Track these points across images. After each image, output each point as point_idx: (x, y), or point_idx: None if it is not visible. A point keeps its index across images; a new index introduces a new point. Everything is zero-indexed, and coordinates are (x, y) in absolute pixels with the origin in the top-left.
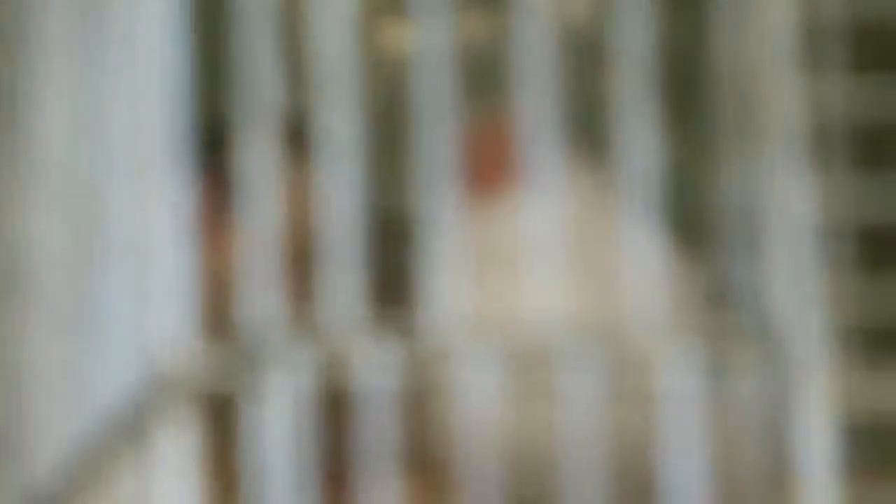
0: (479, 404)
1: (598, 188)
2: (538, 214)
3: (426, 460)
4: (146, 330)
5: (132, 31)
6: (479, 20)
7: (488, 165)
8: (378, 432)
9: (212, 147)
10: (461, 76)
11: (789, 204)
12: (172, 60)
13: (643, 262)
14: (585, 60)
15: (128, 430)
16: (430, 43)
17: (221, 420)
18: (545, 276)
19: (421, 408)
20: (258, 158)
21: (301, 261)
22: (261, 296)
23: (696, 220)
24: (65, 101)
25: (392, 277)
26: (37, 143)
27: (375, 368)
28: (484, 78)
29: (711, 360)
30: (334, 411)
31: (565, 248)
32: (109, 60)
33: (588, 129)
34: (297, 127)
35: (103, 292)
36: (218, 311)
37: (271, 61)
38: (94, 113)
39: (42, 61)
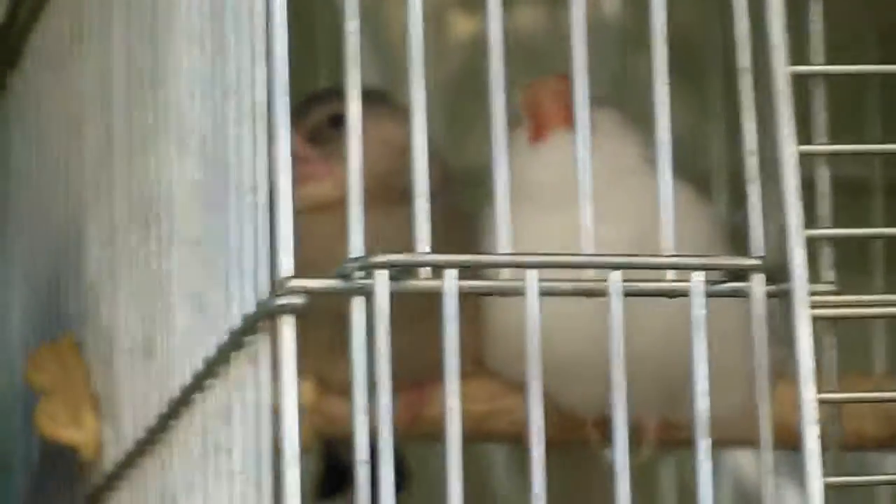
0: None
1: (632, 143)
2: (584, 159)
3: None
4: (264, 262)
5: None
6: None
7: (546, 111)
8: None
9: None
10: (516, 56)
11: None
12: (277, 27)
13: (673, 206)
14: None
15: (245, 344)
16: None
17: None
18: (588, 219)
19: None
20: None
21: (384, 202)
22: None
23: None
24: (193, 68)
25: (459, 221)
26: (169, 106)
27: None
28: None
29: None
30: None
31: (611, 191)
32: (230, 35)
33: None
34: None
35: (228, 228)
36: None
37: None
38: (218, 74)
39: (173, 38)
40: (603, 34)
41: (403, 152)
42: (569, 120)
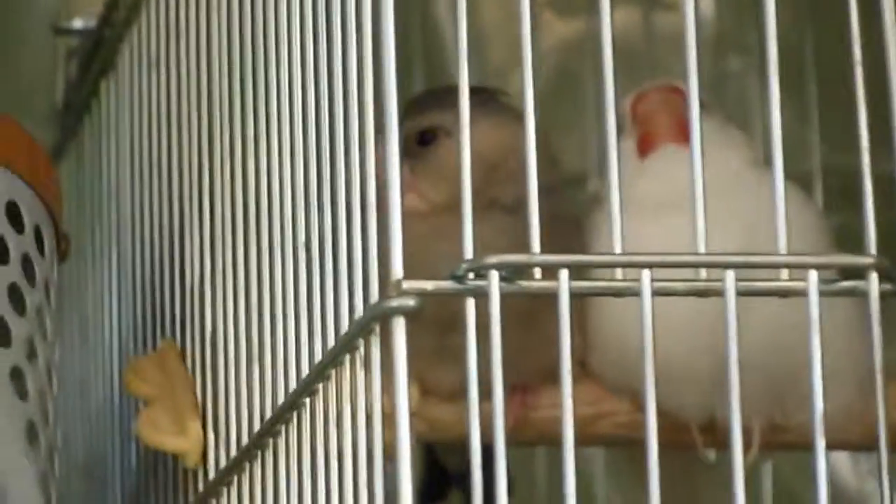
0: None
1: (734, 145)
2: (696, 167)
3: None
4: (371, 266)
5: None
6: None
7: (657, 125)
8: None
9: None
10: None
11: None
12: (386, 25)
13: (785, 210)
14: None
15: (354, 346)
16: (597, 32)
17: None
18: (702, 220)
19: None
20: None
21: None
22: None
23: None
24: (296, 73)
25: (567, 224)
26: (278, 102)
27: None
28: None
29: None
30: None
31: (720, 196)
32: (335, 29)
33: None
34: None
35: (337, 231)
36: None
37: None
38: (322, 81)
39: (280, 44)
40: (698, 39)
41: (500, 158)
42: (679, 135)
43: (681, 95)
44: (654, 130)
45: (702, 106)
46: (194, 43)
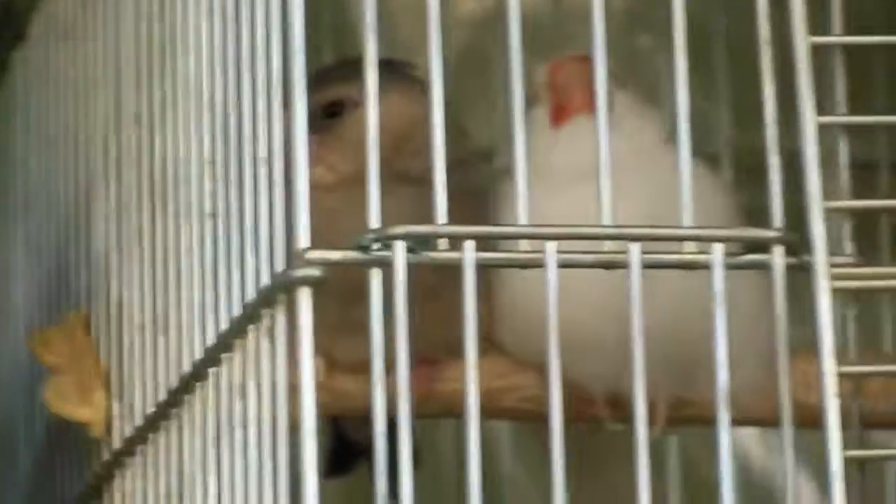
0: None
1: (647, 121)
2: (602, 140)
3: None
4: (280, 235)
5: None
6: None
7: (571, 95)
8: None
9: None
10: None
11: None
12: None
13: (691, 181)
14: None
15: (259, 316)
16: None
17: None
18: (607, 192)
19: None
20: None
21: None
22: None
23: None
24: (208, 40)
25: (477, 197)
26: (183, 78)
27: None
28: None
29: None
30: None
31: (630, 170)
32: (245, 6)
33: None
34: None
35: (243, 201)
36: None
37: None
38: (229, 52)
39: (187, 8)
40: (608, 14)
41: (409, 131)
42: (591, 104)
43: (584, 67)
44: (567, 101)
45: (616, 80)
46: (102, 14)
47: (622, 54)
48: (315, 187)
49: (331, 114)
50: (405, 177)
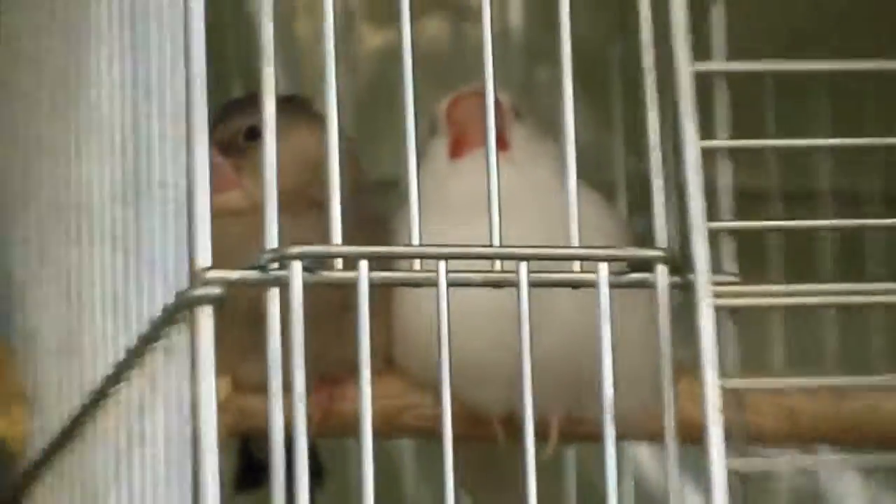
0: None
1: (542, 153)
2: (498, 171)
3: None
4: (182, 257)
5: (162, 15)
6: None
7: (468, 130)
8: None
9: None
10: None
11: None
12: (195, 27)
13: (578, 203)
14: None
15: (162, 335)
16: (400, 42)
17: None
18: (496, 215)
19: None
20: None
21: (295, 208)
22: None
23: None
24: (114, 70)
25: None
26: (90, 107)
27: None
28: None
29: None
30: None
31: (526, 201)
32: (149, 38)
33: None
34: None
35: (145, 225)
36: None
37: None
38: (138, 79)
39: (94, 41)
40: (507, 46)
41: (318, 160)
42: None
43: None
44: (464, 135)
45: (516, 114)
46: (30, 40)
47: (523, 86)
48: (229, 212)
49: (250, 138)
50: (315, 204)
